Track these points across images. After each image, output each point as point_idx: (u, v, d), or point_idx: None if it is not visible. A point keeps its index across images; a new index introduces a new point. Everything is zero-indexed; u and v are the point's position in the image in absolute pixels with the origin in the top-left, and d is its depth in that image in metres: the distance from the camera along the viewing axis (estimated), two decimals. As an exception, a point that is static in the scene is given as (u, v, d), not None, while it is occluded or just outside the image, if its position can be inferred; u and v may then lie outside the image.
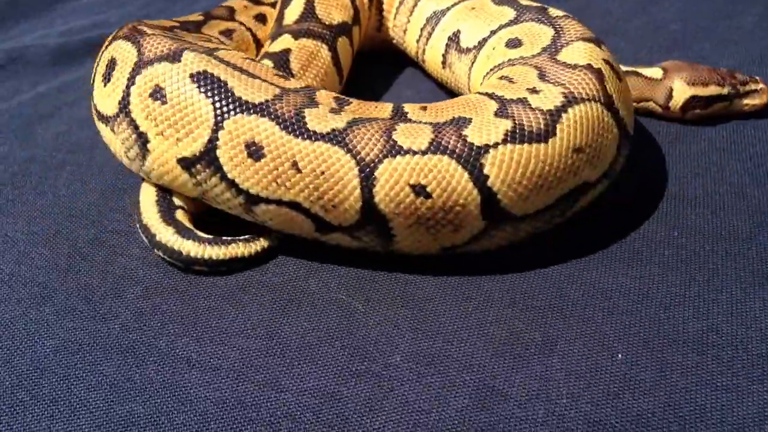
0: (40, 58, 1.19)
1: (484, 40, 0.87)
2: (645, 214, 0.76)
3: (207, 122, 0.69)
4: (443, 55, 0.93)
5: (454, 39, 0.91)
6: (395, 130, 0.67)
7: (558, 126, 0.67)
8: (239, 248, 0.73)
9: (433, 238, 0.69)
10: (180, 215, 0.75)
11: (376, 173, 0.65)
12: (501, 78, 0.76)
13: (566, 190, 0.69)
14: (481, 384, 0.60)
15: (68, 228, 0.81)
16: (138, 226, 0.76)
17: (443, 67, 0.94)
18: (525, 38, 0.81)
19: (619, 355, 0.62)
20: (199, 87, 0.69)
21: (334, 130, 0.67)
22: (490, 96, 0.71)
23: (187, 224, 0.75)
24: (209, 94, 0.69)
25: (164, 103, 0.70)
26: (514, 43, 0.82)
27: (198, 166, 0.70)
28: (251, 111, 0.68)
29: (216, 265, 0.72)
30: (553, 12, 0.84)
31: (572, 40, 0.77)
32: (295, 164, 0.66)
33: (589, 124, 0.68)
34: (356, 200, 0.66)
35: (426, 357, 0.63)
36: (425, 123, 0.68)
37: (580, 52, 0.75)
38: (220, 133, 0.68)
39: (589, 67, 0.73)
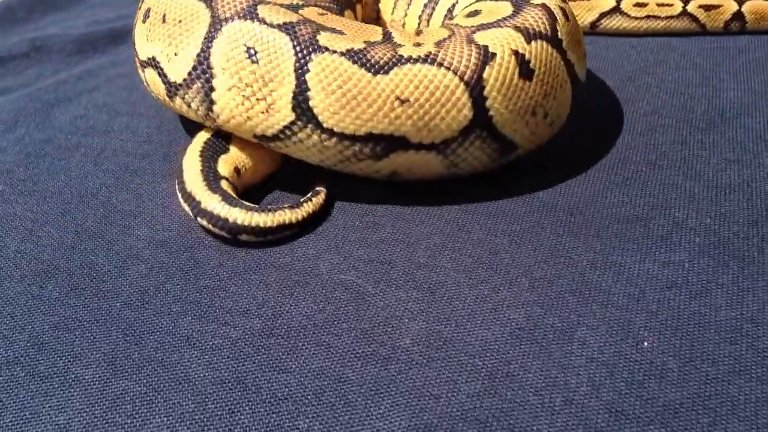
0: (64, 46, 1.18)
1: (465, 8, 0.87)
2: (676, 200, 0.72)
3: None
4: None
5: (451, 9, 0.92)
6: (266, 4, 0.72)
7: (394, 70, 0.68)
8: (286, 214, 0.71)
9: (248, 116, 0.72)
10: (225, 185, 0.73)
11: (223, 28, 0.72)
12: (418, 29, 0.78)
13: (378, 132, 0.69)
14: (495, 369, 0.56)
15: (77, 208, 0.79)
16: (180, 195, 0.74)
17: None
18: (485, 12, 0.79)
19: (645, 343, 0.57)
20: None
21: None
22: (385, 33, 0.74)
23: (232, 194, 0.73)
24: None
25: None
26: (473, 13, 0.80)
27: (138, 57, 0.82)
28: None
29: (264, 232, 0.70)
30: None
31: (506, 25, 0.74)
32: (164, 17, 0.76)
33: (427, 85, 0.68)
34: (196, 47, 0.73)
35: (437, 341, 0.59)
36: (306, 17, 0.72)
37: (493, 34, 0.72)
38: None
39: (483, 48, 0.70)
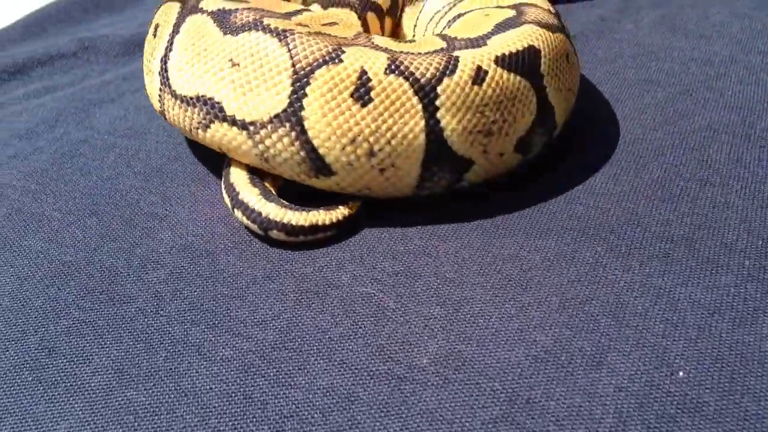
0: (112, 47, 1.19)
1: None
2: (727, 220, 0.67)
3: None
4: None
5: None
6: None
7: (244, 33, 0.68)
8: (320, 215, 0.69)
9: (151, 92, 0.77)
10: (268, 183, 0.73)
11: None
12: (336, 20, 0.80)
13: (203, 92, 0.69)
14: (515, 395, 0.53)
15: (104, 209, 0.78)
16: (223, 186, 0.73)
17: None
18: (416, 43, 0.73)
19: (681, 373, 0.53)
20: None
21: None
22: (300, 11, 0.76)
23: (273, 191, 0.72)
24: None
25: None
26: (410, 41, 0.75)
27: None
28: None
29: (295, 231, 0.68)
30: (492, 41, 0.71)
31: (391, 53, 0.67)
32: None
33: (260, 56, 0.67)
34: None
35: (456, 361, 0.56)
36: None
37: (368, 52, 0.67)
38: None
39: (339, 53, 0.66)
